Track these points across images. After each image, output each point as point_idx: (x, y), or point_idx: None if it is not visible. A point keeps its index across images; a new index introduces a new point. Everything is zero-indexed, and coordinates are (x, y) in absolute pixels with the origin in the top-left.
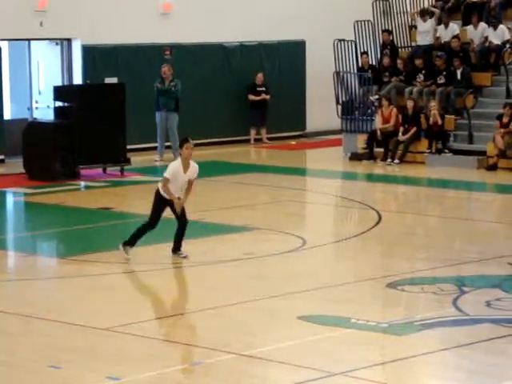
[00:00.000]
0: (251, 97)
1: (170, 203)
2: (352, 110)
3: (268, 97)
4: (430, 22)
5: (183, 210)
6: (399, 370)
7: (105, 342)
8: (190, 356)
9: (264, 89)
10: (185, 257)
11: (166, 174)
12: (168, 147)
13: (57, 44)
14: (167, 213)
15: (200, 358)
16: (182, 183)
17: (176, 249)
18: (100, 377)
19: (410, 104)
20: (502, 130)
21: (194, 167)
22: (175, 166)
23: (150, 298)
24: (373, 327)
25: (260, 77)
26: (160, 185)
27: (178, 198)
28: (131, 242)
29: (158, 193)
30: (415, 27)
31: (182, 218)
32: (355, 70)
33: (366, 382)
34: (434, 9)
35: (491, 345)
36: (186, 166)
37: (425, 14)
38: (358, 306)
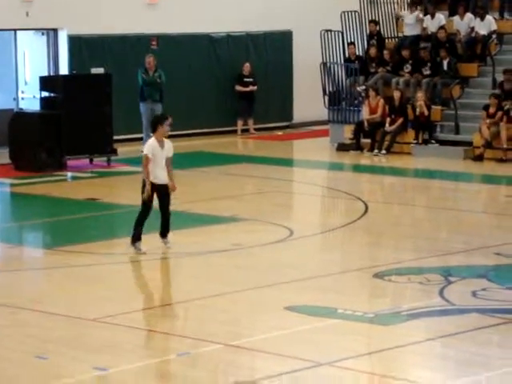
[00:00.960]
0: (238, 88)
1: (157, 189)
2: (339, 101)
3: (255, 88)
4: (416, 15)
5: (168, 201)
6: (386, 359)
7: (92, 332)
8: (177, 346)
9: (251, 79)
10: (168, 247)
11: (146, 152)
12: None
13: (43, 34)
14: (156, 204)
15: (187, 349)
16: (160, 161)
17: (164, 234)
18: (87, 367)
19: (396, 95)
20: (488, 121)
21: (169, 144)
22: (152, 143)
23: (137, 289)
24: (359, 317)
25: (247, 66)
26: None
27: (171, 186)
28: (136, 236)
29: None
30: (402, 19)
31: (166, 212)
32: (342, 61)
33: (353, 372)
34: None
35: (477, 334)
36: (161, 144)
37: (412, 5)
38: (344, 297)
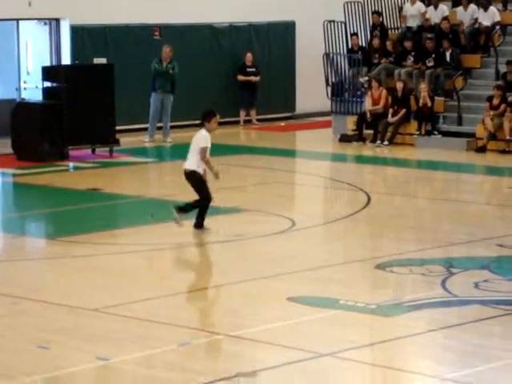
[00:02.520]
0: (240, 77)
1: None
2: (342, 92)
3: (258, 78)
4: (419, 6)
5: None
6: (388, 350)
7: (93, 322)
8: (178, 337)
9: (254, 69)
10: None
11: (205, 144)
12: (159, 128)
13: (45, 24)
14: (159, 194)
15: (188, 339)
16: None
17: (199, 225)
18: (89, 357)
19: (399, 86)
20: (492, 112)
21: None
22: (207, 135)
23: (138, 279)
24: (361, 308)
25: (249, 56)
26: (194, 165)
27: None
28: (184, 209)
29: (194, 174)
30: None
31: (207, 198)
32: (345, 52)
33: (355, 363)
34: None
35: (479, 326)
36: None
37: None
38: (346, 288)
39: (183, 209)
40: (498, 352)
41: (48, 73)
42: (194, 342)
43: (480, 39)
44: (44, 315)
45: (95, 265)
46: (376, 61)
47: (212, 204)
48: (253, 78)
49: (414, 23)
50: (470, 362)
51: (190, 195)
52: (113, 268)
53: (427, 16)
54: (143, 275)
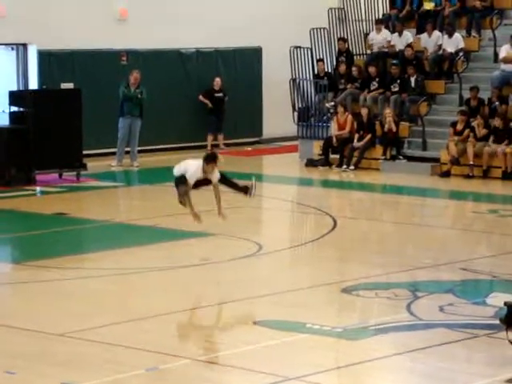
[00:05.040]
0: (201, 97)
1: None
2: (308, 117)
3: (222, 95)
4: (384, 34)
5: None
6: (354, 374)
7: (59, 347)
8: (146, 361)
9: (221, 94)
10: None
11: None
12: (126, 152)
13: (12, 49)
14: (125, 219)
15: (156, 364)
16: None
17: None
18: (54, 383)
19: (364, 111)
20: (456, 138)
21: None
22: (198, 168)
23: (104, 304)
24: (328, 332)
25: (218, 81)
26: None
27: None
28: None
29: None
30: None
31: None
32: (311, 77)
33: None
34: None
35: (444, 349)
36: (205, 173)
37: (378, 23)
38: (313, 311)
39: None
40: (463, 375)
41: (15, 97)
42: (161, 367)
43: (444, 65)
44: (10, 340)
45: (61, 289)
46: (342, 86)
47: (178, 228)
48: (207, 102)
49: (378, 49)
50: None
51: (154, 220)
52: (79, 292)
53: (392, 43)
54: (109, 300)
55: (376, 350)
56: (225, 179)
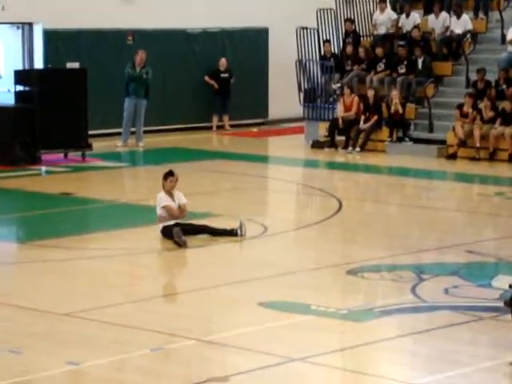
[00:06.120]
0: (209, 81)
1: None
2: (314, 98)
3: (228, 75)
4: (389, 14)
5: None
6: (358, 356)
7: (65, 327)
8: (151, 342)
9: (227, 75)
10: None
11: (164, 203)
12: (132, 133)
13: (18, 28)
14: (131, 199)
15: (160, 344)
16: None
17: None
18: (60, 362)
19: (370, 93)
20: (462, 120)
21: (178, 193)
22: (163, 195)
23: (110, 284)
24: (332, 314)
25: (223, 61)
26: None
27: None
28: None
29: (163, 231)
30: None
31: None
32: (317, 58)
33: (325, 368)
34: None
35: (448, 331)
36: (171, 196)
37: (382, 2)
38: (318, 293)
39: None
40: (468, 358)
41: (20, 77)
42: (166, 347)
43: (451, 47)
44: (15, 319)
45: (67, 269)
46: (348, 68)
47: None
48: (214, 84)
49: (384, 30)
50: (439, 367)
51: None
52: (85, 272)
53: (399, 24)
54: (115, 280)
55: (380, 331)
56: (208, 227)
